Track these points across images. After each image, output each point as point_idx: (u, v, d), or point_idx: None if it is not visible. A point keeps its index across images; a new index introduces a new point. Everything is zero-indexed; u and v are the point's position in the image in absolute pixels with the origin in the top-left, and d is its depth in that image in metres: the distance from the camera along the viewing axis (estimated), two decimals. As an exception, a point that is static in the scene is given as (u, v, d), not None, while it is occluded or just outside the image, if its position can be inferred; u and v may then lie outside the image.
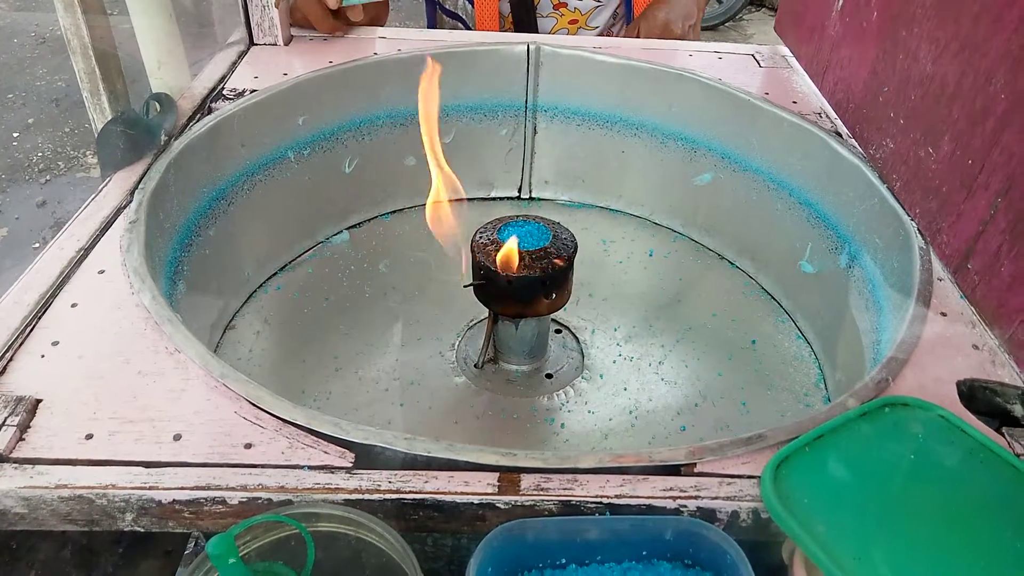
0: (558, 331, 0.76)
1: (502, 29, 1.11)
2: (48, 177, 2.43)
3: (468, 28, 1.13)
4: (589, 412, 0.68)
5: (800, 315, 0.79)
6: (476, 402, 0.69)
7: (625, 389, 0.71)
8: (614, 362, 0.73)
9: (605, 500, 0.38)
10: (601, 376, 0.72)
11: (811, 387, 0.72)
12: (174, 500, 0.38)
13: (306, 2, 0.87)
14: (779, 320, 0.80)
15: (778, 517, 0.37)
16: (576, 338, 0.76)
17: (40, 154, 2.52)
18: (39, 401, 0.42)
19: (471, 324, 0.77)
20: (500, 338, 0.70)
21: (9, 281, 0.51)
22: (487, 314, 0.69)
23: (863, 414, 0.42)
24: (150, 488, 0.38)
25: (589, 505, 0.38)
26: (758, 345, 0.76)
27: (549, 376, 0.71)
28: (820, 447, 0.40)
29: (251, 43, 0.88)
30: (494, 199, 0.97)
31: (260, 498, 0.38)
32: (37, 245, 2.16)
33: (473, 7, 1.09)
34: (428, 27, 1.22)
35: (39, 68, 3.01)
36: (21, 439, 0.40)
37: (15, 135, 2.62)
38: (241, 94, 0.77)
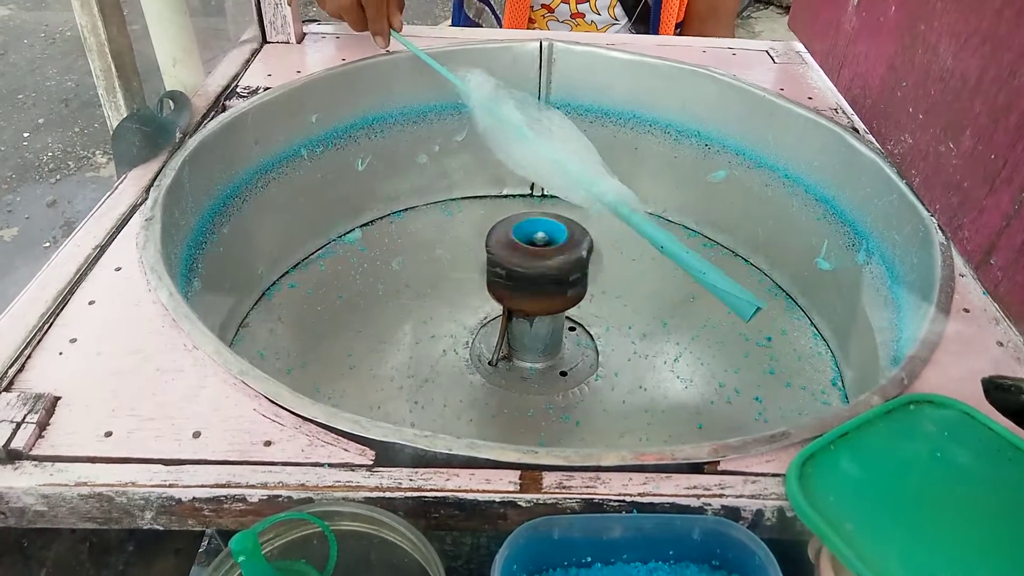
0: (572, 328, 0.76)
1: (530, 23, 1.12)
2: (58, 177, 2.44)
3: (495, 14, 1.13)
4: (604, 411, 0.68)
5: (816, 312, 0.78)
6: (491, 400, 0.68)
7: (640, 387, 0.70)
8: (629, 360, 0.73)
9: (628, 498, 0.37)
10: (616, 374, 0.71)
11: (827, 385, 0.71)
12: (194, 498, 0.37)
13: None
14: (795, 317, 0.79)
15: (805, 516, 0.36)
16: (590, 335, 0.75)
17: (50, 154, 2.54)
18: (58, 399, 0.42)
19: (485, 321, 0.76)
20: (514, 335, 0.70)
21: (20, 280, 0.51)
22: (501, 311, 0.68)
23: (888, 412, 0.42)
24: (170, 486, 0.37)
25: (612, 503, 0.38)
26: (774, 342, 0.76)
27: (564, 374, 0.71)
28: (845, 445, 0.40)
29: (264, 41, 0.88)
30: (506, 196, 0.96)
31: (281, 496, 0.37)
32: (48, 245, 2.17)
33: None
34: (455, 13, 1.21)
35: (49, 68, 3.03)
36: (40, 436, 0.40)
37: (25, 135, 2.63)
38: (255, 92, 0.76)
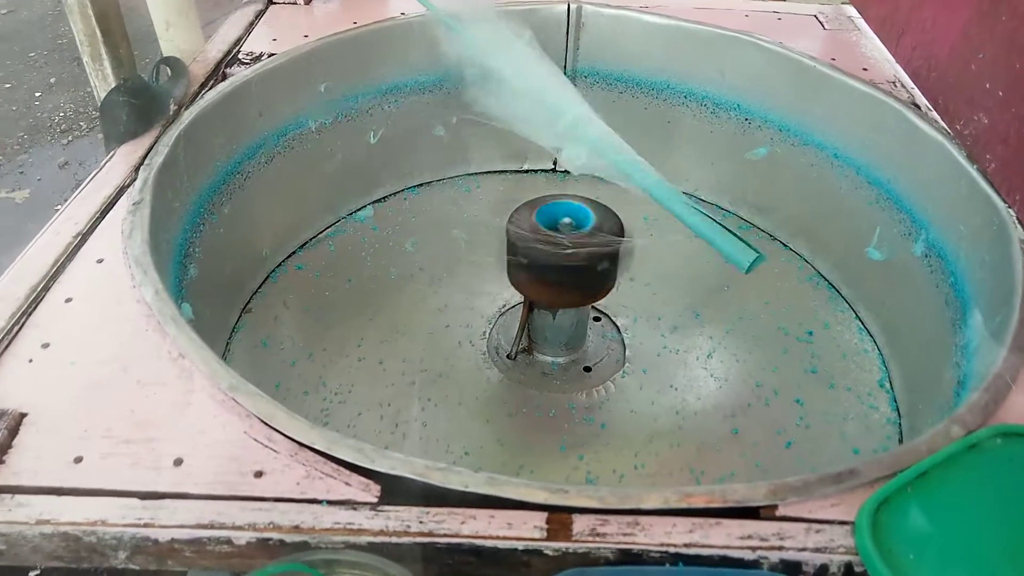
0: (597, 319, 0.71)
1: None
2: (70, 138, 2.39)
3: None
4: (631, 412, 0.63)
5: (863, 305, 0.72)
6: (509, 398, 0.64)
7: (671, 386, 0.65)
8: (658, 355, 0.68)
9: (672, 549, 0.32)
10: (644, 371, 0.66)
11: (874, 387, 0.65)
12: (173, 539, 0.33)
13: None
14: (838, 310, 0.73)
15: (879, 574, 0.31)
16: (617, 327, 0.70)
17: (62, 114, 2.48)
18: (24, 415, 0.37)
19: (504, 310, 0.71)
20: (535, 327, 0.65)
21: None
22: (522, 299, 0.63)
23: (971, 446, 0.36)
24: (145, 525, 0.33)
25: (653, 554, 0.32)
26: (815, 337, 0.70)
27: (587, 369, 0.66)
28: (925, 486, 0.34)
29: (269, 2, 0.82)
30: (527, 172, 0.90)
31: (271, 539, 0.32)
32: (60, 207, 2.14)
33: None
34: None
35: (61, 26, 2.96)
36: (0, 462, 0.35)
37: (37, 94, 2.58)
38: (258, 58, 0.71)
